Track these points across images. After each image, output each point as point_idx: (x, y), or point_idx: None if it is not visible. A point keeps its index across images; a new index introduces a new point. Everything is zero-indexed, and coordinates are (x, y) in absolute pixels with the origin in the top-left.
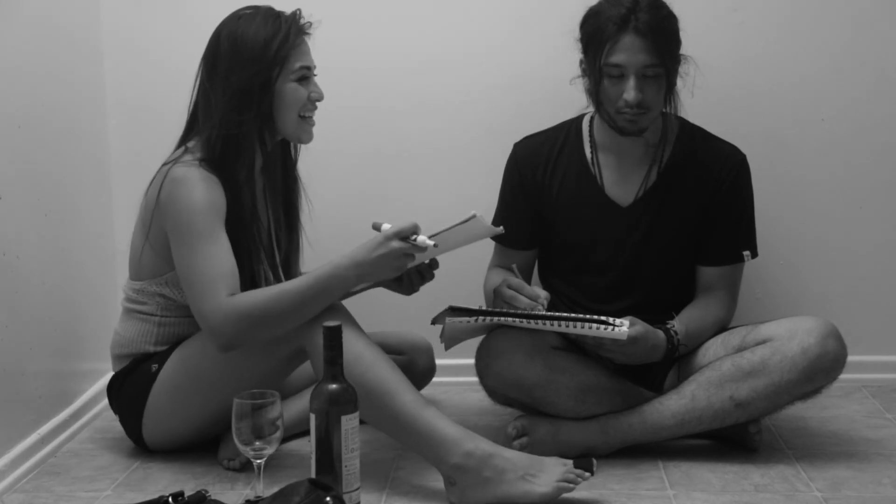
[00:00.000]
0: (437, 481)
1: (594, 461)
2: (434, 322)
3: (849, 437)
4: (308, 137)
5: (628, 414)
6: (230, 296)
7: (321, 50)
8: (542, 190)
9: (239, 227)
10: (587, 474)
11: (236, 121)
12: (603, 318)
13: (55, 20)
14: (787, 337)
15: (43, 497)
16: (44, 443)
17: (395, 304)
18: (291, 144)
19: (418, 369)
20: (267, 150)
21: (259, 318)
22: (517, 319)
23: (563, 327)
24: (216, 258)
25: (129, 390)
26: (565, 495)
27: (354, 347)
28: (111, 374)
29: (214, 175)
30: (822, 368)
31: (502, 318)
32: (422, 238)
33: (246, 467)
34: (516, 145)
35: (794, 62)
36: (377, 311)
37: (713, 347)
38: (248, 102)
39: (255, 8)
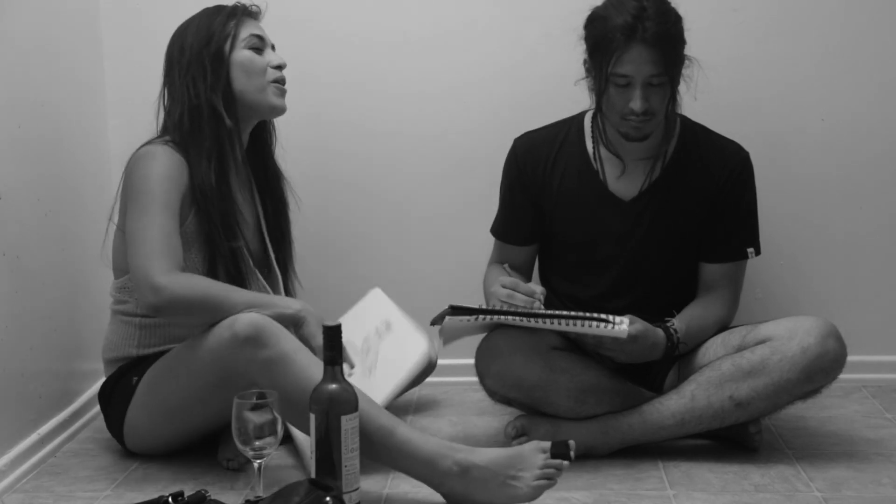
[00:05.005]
0: None
1: (571, 444)
2: (433, 323)
3: (849, 437)
4: (280, 104)
5: (628, 414)
6: (180, 271)
7: (314, 47)
8: (542, 185)
9: (211, 202)
10: (565, 463)
11: (194, 91)
12: (603, 315)
13: (55, 20)
14: (786, 337)
15: (43, 497)
16: (44, 443)
17: (395, 300)
18: (269, 134)
19: None
20: (238, 129)
21: (195, 305)
22: (517, 318)
23: (564, 325)
24: (167, 229)
25: (113, 399)
26: (564, 494)
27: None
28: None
29: (180, 154)
30: (822, 368)
31: (502, 317)
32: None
33: (246, 467)
34: (516, 141)
35: (793, 62)
36: None
37: (713, 347)
38: (203, 73)
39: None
